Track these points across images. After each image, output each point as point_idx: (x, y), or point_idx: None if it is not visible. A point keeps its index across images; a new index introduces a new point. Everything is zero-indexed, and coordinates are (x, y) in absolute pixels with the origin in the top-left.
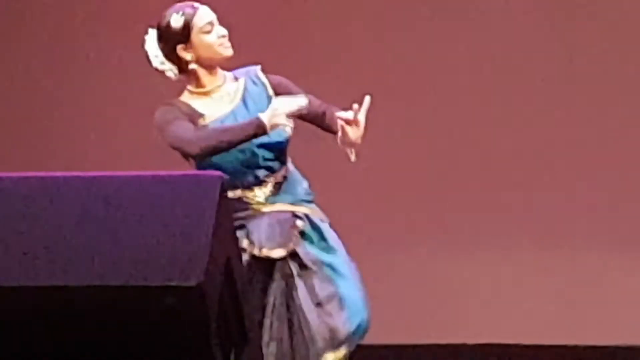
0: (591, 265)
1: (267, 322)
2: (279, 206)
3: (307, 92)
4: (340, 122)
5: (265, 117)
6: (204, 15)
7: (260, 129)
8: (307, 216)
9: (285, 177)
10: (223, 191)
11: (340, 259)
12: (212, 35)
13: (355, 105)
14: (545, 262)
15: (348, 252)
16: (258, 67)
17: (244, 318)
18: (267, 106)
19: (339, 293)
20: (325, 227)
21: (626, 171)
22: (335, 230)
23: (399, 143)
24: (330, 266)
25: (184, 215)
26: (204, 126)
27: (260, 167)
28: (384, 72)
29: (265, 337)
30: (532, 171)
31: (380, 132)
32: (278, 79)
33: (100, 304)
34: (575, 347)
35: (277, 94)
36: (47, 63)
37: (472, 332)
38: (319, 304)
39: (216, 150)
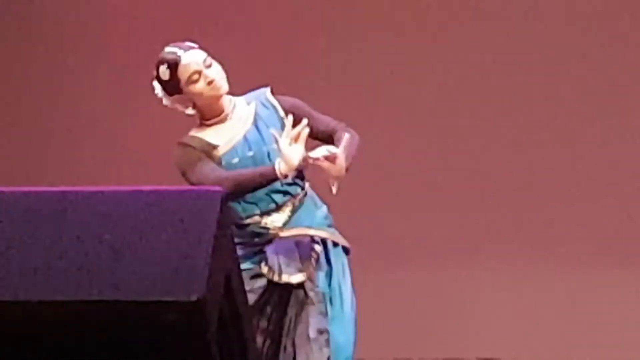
0: (592, 282)
1: (282, 345)
2: (297, 230)
3: (316, 108)
4: (311, 162)
5: (278, 168)
6: (188, 65)
7: (275, 177)
8: (324, 241)
9: (302, 201)
10: (223, 206)
11: (343, 294)
12: (200, 83)
13: (333, 147)
14: (545, 278)
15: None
16: (267, 90)
17: (243, 334)
18: (280, 127)
19: (329, 331)
20: (337, 254)
21: (622, 186)
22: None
23: (401, 154)
24: (330, 300)
25: (184, 230)
26: (219, 157)
27: (279, 192)
28: (380, 80)
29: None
30: (529, 186)
31: (380, 144)
32: (290, 101)
33: (100, 319)
34: None
35: (288, 114)
36: (47, 75)
37: (471, 347)
38: (307, 336)
39: (236, 195)
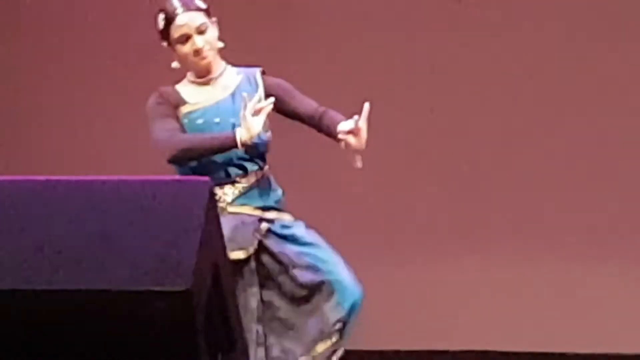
0: (582, 273)
1: (251, 327)
2: (246, 209)
3: (306, 94)
4: (342, 136)
5: (239, 135)
6: (180, 27)
7: (234, 144)
8: (274, 221)
9: (258, 182)
10: (211, 196)
11: (321, 247)
12: (187, 47)
13: (356, 116)
14: (536, 269)
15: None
16: (258, 69)
17: (231, 323)
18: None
19: (326, 279)
20: (298, 225)
21: (619, 179)
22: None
23: (396, 148)
24: (312, 255)
25: (172, 220)
26: (183, 114)
27: (235, 165)
28: (378, 74)
29: (252, 344)
30: (524, 180)
31: (376, 137)
32: (276, 82)
33: (88, 308)
34: (564, 355)
35: (269, 96)
36: (36, 63)
37: (463, 338)
38: (303, 298)
39: (185, 158)
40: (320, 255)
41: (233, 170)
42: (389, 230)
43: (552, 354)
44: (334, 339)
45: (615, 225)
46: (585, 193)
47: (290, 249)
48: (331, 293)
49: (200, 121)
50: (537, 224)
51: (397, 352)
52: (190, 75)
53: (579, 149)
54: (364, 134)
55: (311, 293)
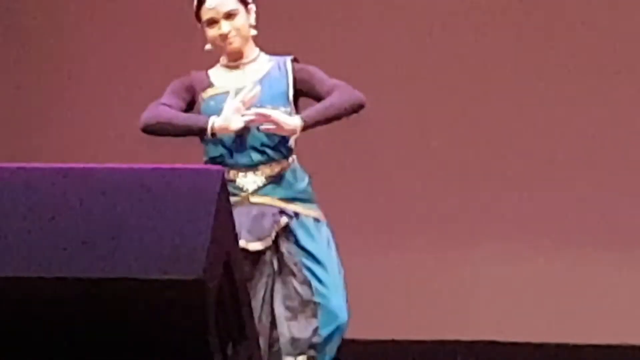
0: (586, 264)
1: (257, 317)
2: (268, 199)
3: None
4: (263, 129)
5: (212, 121)
6: (209, 10)
7: (204, 130)
8: (297, 214)
9: (282, 171)
10: (224, 185)
11: (326, 263)
12: (214, 31)
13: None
14: (539, 261)
15: (339, 249)
16: (289, 57)
17: (242, 313)
18: (284, 91)
19: (315, 300)
20: (317, 227)
21: (622, 172)
22: (332, 231)
23: (394, 140)
24: (312, 270)
25: (184, 208)
26: (204, 98)
27: (257, 150)
28: (377, 68)
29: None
30: (526, 170)
31: (374, 128)
32: (305, 69)
33: (99, 297)
34: (565, 346)
35: (297, 82)
36: (44, 54)
37: (467, 329)
38: (291, 308)
39: (157, 130)
40: (322, 277)
41: (255, 156)
42: (395, 220)
43: (556, 345)
44: (303, 357)
45: (615, 216)
46: (586, 184)
47: (299, 258)
48: (315, 315)
49: (213, 104)
50: (542, 217)
51: (397, 342)
52: (222, 59)
53: (575, 141)
54: (273, 118)
55: (299, 307)
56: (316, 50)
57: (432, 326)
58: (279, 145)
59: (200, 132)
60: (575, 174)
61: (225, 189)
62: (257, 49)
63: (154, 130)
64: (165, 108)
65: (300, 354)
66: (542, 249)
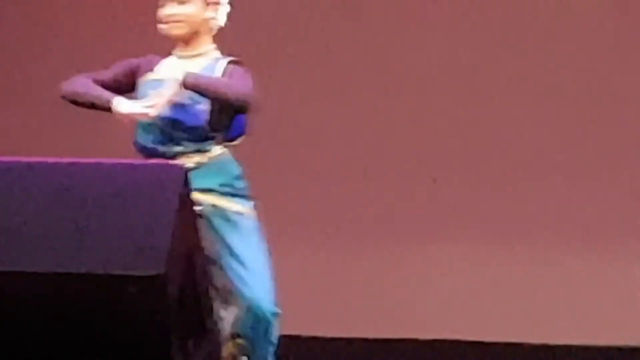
0: (555, 263)
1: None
2: None
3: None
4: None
5: (116, 102)
6: None
7: (108, 106)
8: (214, 207)
9: (200, 164)
10: (186, 181)
11: (246, 252)
12: (159, 11)
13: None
14: (508, 258)
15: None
16: (230, 58)
17: (203, 308)
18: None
19: (233, 290)
20: (238, 219)
21: (614, 173)
22: (260, 225)
23: (372, 135)
24: (230, 261)
25: (146, 204)
26: (144, 81)
27: (174, 144)
28: (365, 67)
29: None
30: (514, 170)
31: (353, 124)
32: (233, 70)
33: (61, 292)
34: (536, 346)
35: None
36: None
37: (430, 327)
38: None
39: (71, 98)
40: (237, 265)
41: (175, 149)
42: (367, 215)
43: (528, 345)
44: (240, 341)
45: (605, 216)
46: (570, 183)
47: (214, 247)
48: (233, 304)
49: (149, 92)
50: (515, 211)
51: (365, 340)
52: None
53: (564, 139)
54: (163, 101)
55: (222, 295)
56: (316, 50)
57: (392, 324)
58: (195, 138)
59: (105, 110)
60: (564, 174)
61: (187, 185)
62: (213, 45)
63: (69, 98)
64: (85, 80)
65: (234, 336)
66: (508, 248)
